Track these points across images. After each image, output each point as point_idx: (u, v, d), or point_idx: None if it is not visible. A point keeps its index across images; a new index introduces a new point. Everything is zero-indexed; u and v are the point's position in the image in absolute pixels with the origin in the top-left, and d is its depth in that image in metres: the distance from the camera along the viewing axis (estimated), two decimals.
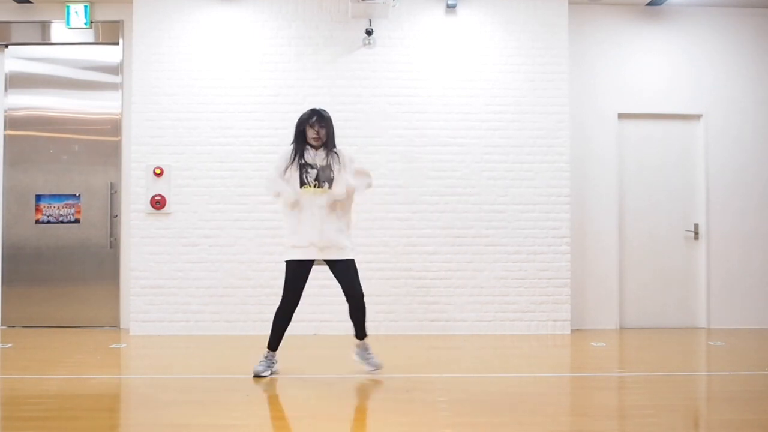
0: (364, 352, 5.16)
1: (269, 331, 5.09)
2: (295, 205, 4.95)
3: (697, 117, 7.55)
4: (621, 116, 7.49)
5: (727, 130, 7.52)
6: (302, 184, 4.94)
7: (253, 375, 5.00)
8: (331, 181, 4.96)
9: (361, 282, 5.05)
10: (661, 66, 7.50)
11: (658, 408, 4.28)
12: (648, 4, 7.40)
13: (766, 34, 7.58)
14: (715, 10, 7.52)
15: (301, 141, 5.03)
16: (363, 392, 4.75)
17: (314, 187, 4.93)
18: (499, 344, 6.55)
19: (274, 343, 5.09)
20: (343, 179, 4.98)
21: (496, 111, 7.12)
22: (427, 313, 7.01)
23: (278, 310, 5.06)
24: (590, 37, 7.46)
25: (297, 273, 4.99)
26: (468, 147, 7.10)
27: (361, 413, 4.35)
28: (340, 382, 4.96)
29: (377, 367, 5.11)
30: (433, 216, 7.05)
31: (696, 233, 7.51)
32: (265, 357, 5.10)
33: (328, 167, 4.98)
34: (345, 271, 5.01)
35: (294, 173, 4.97)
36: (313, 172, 4.95)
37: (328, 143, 5.03)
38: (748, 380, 5.09)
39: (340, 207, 5.00)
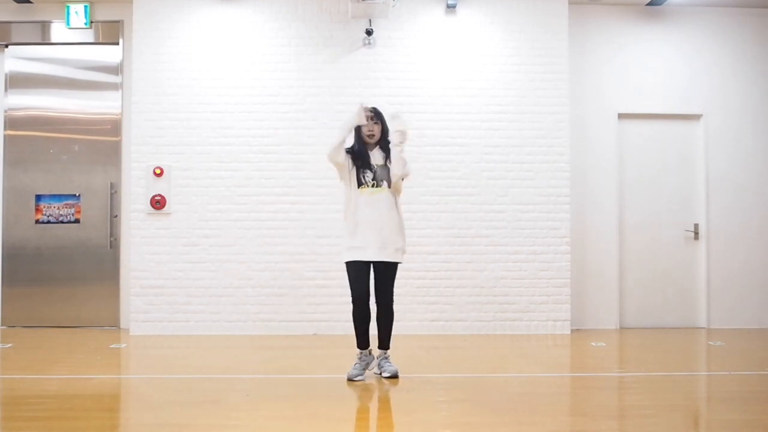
0: (383, 361, 5.04)
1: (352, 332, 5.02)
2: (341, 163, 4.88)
3: (696, 117, 7.56)
4: (621, 116, 7.49)
5: (727, 129, 7.53)
6: (360, 184, 4.88)
7: (346, 378, 4.91)
8: (389, 180, 4.91)
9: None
10: (661, 66, 7.51)
11: (658, 408, 4.28)
12: (648, 4, 7.40)
13: (765, 34, 7.58)
14: (715, 10, 7.52)
15: (360, 142, 4.96)
16: (363, 392, 4.75)
17: (372, 186, 4.88)
18: (499, 344, 6.55)
19: (361, 342, 4.98)
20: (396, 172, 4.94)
21: (496, 111, 7.12)
22: (427, 313, 7.01)
23: (352, 313, 4.95)
24: (590, 37, 7.46)
25: (357, 271, 4.89)
26: (468, 147, 7.10)
27: (361, 413, 4.35)
28: (340, 382, 4.96)
29: (392, 373, 4.96)
30: (433, 216, 7.05)
31: (696, 233, 7.51)
32: (359, 358, 4.98)
33: (386, 167, 4.92)
34: (385, 274, 4.94)
35: (352, 173, 4.91)
36: (371, 173, 4.89)
37: (383, 140, 4.96)
38: (748, 380, 5.08)
39: (398, 207, 4.96)
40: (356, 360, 5.00)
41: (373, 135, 4.95)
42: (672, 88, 7.51)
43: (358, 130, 4.97)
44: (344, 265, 4.95)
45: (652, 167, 7.53)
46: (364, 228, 4.85)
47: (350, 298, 4.97)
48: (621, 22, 7.49)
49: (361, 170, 4.90)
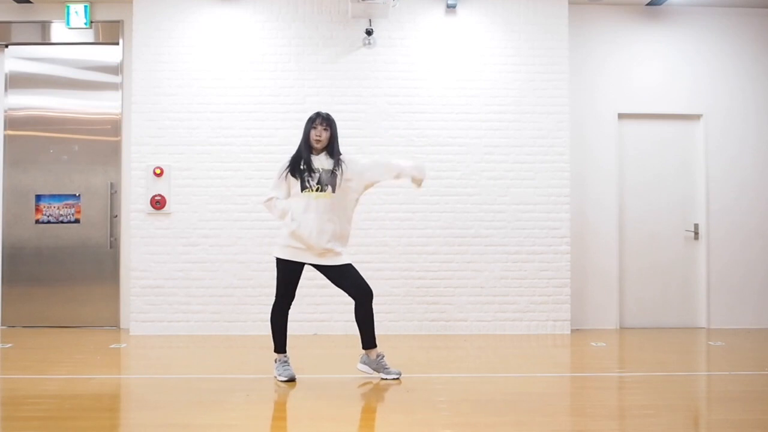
0: (379, 361, 5.01)
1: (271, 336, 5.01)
2: (292, 212, 4.88)
3: (696, 117, 7.56)
4: (621, 116, 7.49)
5: (727, 129, 7.53)
6: (304, 188, 4.86)
7: (286, 380, 4.90)
8: (334, 186, 4.88)
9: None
10: (661, 66, 7.51)
11: (658, 408, 4.28)
12: (648, 4, 7.41)
13: (766, 34, 7.58)
14: (715, 10, 7.52)
15: (306, 147, 4.96)
16: (363, 392, 4.75)
17: (316, 190, 4.86)
18: (499, 344, 6.55)
19: (279, 346, 4.99)
20: (348, 185, 4.92)
21: (496, 111, 7.12)
22: (427, 313, 7.01)
23: (272, 310, 4.99)
24: (590, 37, 7.46)
25: (288, 272, 4.91)
26: (468, 147, 7.10)
27: (361, 413, 4.35)
28: (340, 383, 4.96)
29: (397, 375, 4.98)
30: (433, 216, 7.05)
31: (696, 233, 7.51)
32: (281, 362, 4.97)
33: (333, 172, 4.89)
34: (343, 276, 4.91)
35: (296, 178, 4.89)
36: (315, 176, 4.87)
37: (330, 147, 4.95)
38: (748, 380, 5.09)
39: (341, 214, 4.92)
40: (277, 364, 4.98)
41: (320, 141, 4.93)
42: (672, 88, 7.51)
43: (308, 135, 4.95)
44: (275, 259, 4.94)
45: (652, 167, 7.53)
46: (305, 231, 4.80)
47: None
48: (621, 22, 7.49)
49: (306, 174, 4.87)
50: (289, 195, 4.96)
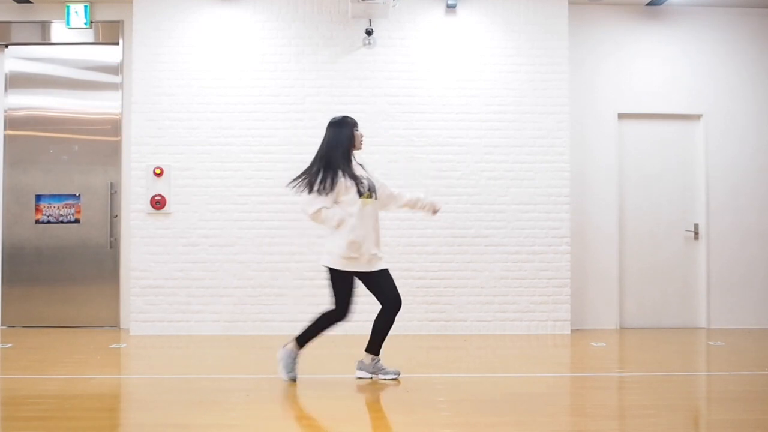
0: (375, 364, 5.00)
1: (305, 328, 4.93)
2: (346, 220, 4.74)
3: (697, 117, 7.56)
4: (621, 116, 7.49)
5: (727, 129, 7.53)
6: (360, 194, 4.74)
7: (289, 379, 4.89)
8: (375, 191, 4.86)
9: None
10: (661, 66, 7.51)
11: (658, 408, 4.28)
12: (648, 4, 7.41)
13: (766, 34, 7.58)
14: (715, 10, 7.52)
15: (349, 151, 4.84)
16: (363, 392, 4.75)
17: (368, 197, 4.79)
18: (499, 344, 6.55)
19: (304, 341, 4.92)
20: (382, 185, 4.96)
21: (496, 111, 7.12)
22: (427, 313, 7.01)
23: (330, 316, 4.88)
24: (590, 37, 7.46)
25: (350, 282, 4.80)
26: (468, 147, 7.10)
27: (361, 413, 4.35)
28: (340, 382, 4.96)
29: (395, 374, 4.99)
30: (434, 216, 7.04)
31: (696, 233, 7.51)
32: (292, 359, 4.94)
33: (369, 178, 4.88)
34: (378, 281, 4.84)
35: (349, 186, 4.73)
36: (364, 182, 4.79)
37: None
38: (748, 380, 5.09)
39: (378, 219, 4.89)
40: (293, 359, 4.94)
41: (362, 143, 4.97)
42: (672, 88, 7.51)
43: (350, 136, 4.88)
44: (333, 271, 4.78)
45: (652, 167, 7.53)
46: (361, 238, 4.73)
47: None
48: (621, 22, 7.48)
49: (357, 180, 4.78)
50: (335, 203, 4.77)
